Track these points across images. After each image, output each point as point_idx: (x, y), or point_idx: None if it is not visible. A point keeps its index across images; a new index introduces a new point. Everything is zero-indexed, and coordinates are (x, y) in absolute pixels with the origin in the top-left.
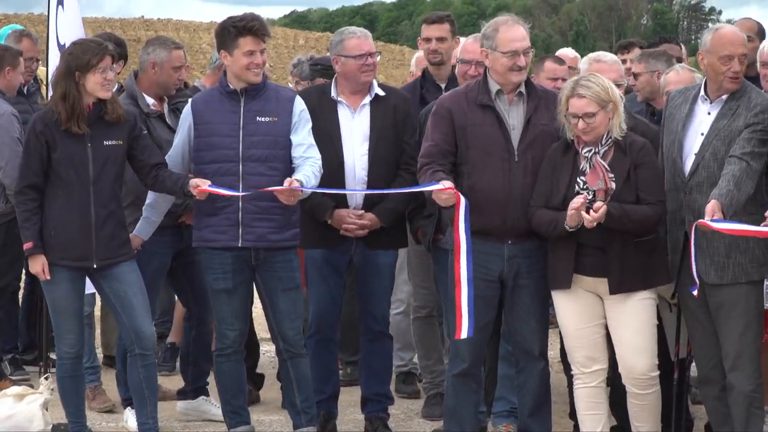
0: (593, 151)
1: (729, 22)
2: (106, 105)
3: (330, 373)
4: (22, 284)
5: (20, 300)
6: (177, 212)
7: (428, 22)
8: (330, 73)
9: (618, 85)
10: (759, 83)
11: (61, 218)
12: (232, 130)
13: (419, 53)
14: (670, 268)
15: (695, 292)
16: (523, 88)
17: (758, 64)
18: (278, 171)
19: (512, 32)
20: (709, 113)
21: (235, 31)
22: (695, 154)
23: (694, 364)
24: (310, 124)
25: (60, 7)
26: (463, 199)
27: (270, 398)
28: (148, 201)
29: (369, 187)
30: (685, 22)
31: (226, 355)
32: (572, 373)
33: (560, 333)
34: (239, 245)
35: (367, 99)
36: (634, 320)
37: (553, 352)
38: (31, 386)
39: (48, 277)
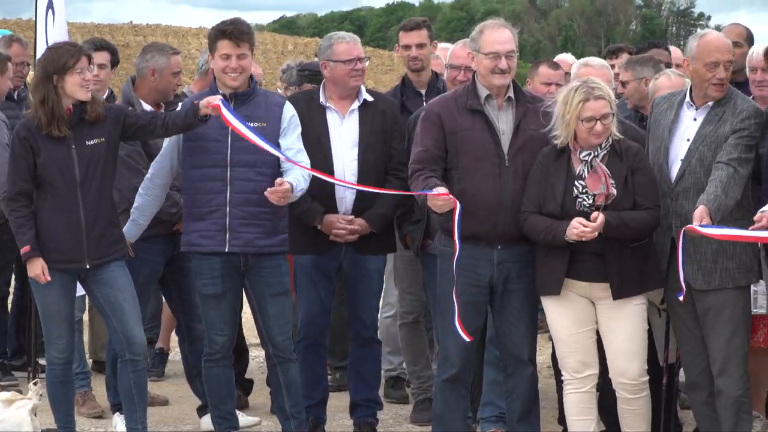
0: (592, 155)
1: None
2: (86, 106)
3: (319, 379)
4: (11, 289)
5: (10, 305)
6: (172, 221)
7: (406, 29)
8: (318, 78)
9: None
10: (747, 88)
11: (50, 222)
12: (221, 135)
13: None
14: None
15: (681, 298)
16: (512, 93)
17: (747, 70)
18: (266, 176)
19: (495, 34)
20: (695, 119)
21: (214, 34)
22: (681, 160)
23: (682, 369)
24: (299, 130)
25: (50, 11)
26: (459, 205)
27: (259, 403)
28: (135, 204)
29: (358, 192)
30: (674, 28)
31: (215, 360)
32: (563, 378)
33: (549, 338)
34: (226, 250)
35: (356, 104)
36: (628, 325)
37: (542, 358)
38: (20, 392)
39: (49, 278)
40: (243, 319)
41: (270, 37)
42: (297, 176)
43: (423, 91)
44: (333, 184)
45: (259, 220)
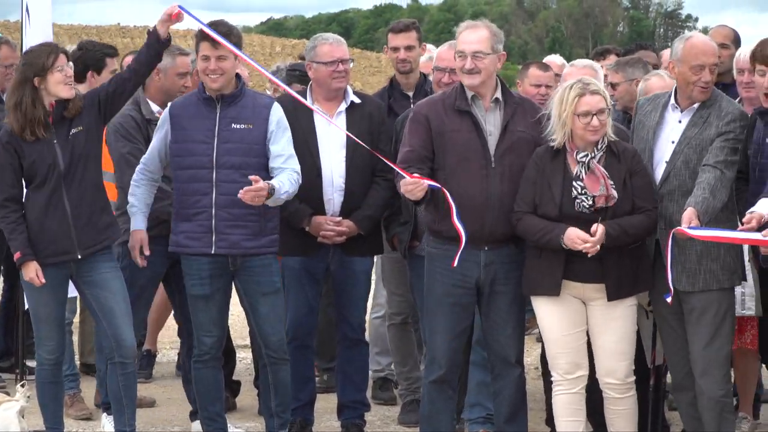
0: (590, 156)
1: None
2: (67, 103)
3: (306, 380)
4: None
5: None
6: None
7: (395, 31)
8: (307, 79)
9: None
10: (734, 90)
11: (39, 217)
12: (207, 137)
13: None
14: None
15: (669, 299)
16: (499, 95)
17: (734, 71)
18: None
19: (465, 34)
20: (680, 121)
21: (197, 36)
22: (666, 162)
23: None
24: (288, 133)
25: (27, 14)
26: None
27: (246, 405)
28: (129, 195)
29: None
30: (662, 30)
31: (204, 362)
32: (553, 379)
33: (537, 339)
34: (212, 252)
35: (343, 106)
36: (619, 326)
37: (529, 359)
38: (8, 393)
39: (43, 281)
40: (230, 321)
41: (258, 39)
42: (284, 179)
43: (410, 94)
44: (320, 189)
45: (245, 221)
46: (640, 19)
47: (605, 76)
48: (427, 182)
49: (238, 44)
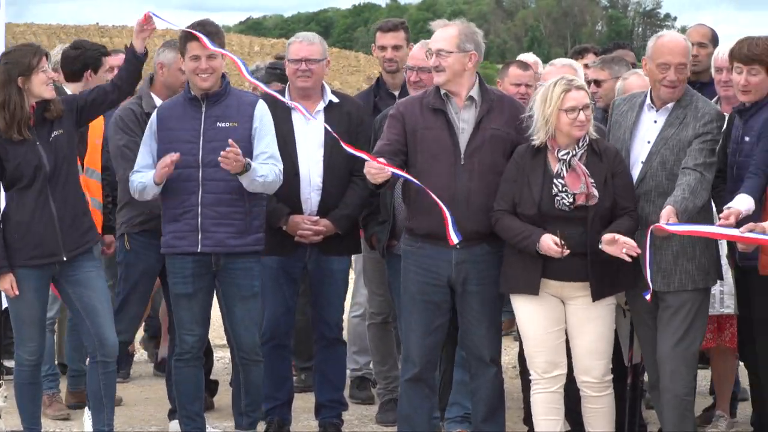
0: (570, 153)
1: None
2: (49, 104)
3: (284, 380)
4: None
5: None
6: None
7: (383, 30)
8: (287, 77)
9: None
10: (712, 88)
11: (24, 219)
12: (193, 137)
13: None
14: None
15: (648, 297)
16: (475, 93)
17: (712, 70)
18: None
19: (436, 32)
20: (655, 121)
21: (183, 36)
22: (642, 162)
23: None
24: (273, 132)
25: None
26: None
27: (224, 404)
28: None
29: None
30: (640, 29)
31: (185, 360)
32: (531, 377)
33: (515, 338)
34: (198, 250)
35: (321, 105)
36: (598, 325)
37: (507, 358)
38: None
39: (17, 293)
40: None
41: (236, 39)
42: (262, 165)
43: (396, 93)
44: (298, 188)
45: (231, 219)
46: (618, 18)
47: (585, 74)
48: (391, 170)
49: (222, 44)
